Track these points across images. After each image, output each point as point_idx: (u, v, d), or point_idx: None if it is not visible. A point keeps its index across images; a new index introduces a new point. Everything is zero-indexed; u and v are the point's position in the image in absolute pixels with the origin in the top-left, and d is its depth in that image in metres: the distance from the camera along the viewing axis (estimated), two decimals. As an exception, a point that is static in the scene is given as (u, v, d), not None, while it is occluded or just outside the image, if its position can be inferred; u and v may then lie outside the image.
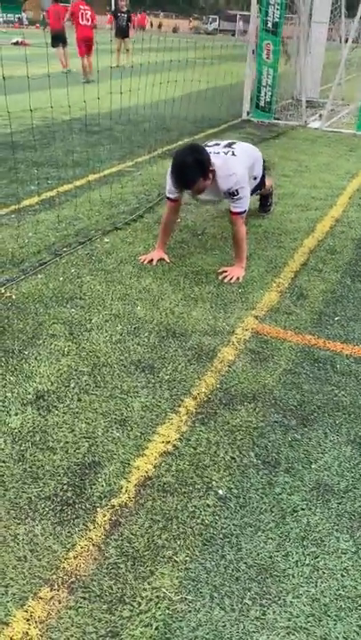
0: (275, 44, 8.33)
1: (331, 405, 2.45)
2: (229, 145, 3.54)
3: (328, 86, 11.17)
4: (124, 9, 15.51)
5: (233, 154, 3.40)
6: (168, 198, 3.57)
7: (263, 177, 3.93)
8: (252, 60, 8.66)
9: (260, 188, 4.02)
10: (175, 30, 29.95)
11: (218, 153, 3.37)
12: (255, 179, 3.79)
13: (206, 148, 3.42)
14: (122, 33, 15.26)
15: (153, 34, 16.60)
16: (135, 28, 15.19)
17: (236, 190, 3.33)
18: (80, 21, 12.21)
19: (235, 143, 3.62)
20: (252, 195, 3.68)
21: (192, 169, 3.15)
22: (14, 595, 1.60)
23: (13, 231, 4.02)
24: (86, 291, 3.28)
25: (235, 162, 3.36)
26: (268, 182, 4.19)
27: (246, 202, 3.44)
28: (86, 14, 12.21)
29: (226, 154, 3.38)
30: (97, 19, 13.14)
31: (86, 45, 12.19)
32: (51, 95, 4.28)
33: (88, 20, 12.27)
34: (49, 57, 4.88)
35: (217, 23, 56.57)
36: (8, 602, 1.58)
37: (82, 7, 12.22)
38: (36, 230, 4.10)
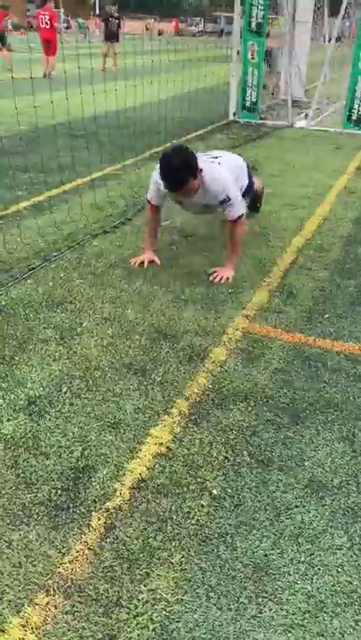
0: (259, 45, 8.37)
1: (322, 402, 2.46)
2: (215, 157, 3.55)
3: (313, 85, 11.23)
4: (115, 14, 15.81)
5: (219, 163, 3.42)
6: (150, 203, 3.59)
7: (251, 184, 3.93)
8: (237, 60, 8.69)
9: (250, 193, 4.02)
10: (160, 33, 29.96)
11: (205, 162, 3.36)
12: (242, 188, 3.74)
13: None
14: (112, 37, 15.60)
15: (143, 37, 16.68)
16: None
17: (228, 196, 3.32)
18: (40, 25, 13.85)
19: (220, 157, 3.58)
20: (244, 198, 3.68)
21: (182, 170, 3.13)
22: (10, 601, 1.59)
23: (1, 237, 4.00)
24: (76, 295, 3.27)
25: (220, 168, 3.37)
26: (257, 183, 4.20)
27: (241, 205, 3.44)
28: (45, 18, 13.79)
29: (212, 162, 3.40)
30: (58, 22, 15.21)
31: (46, 46, 13.83)
32: (34, 100, 4.27)
33: (47, 24, 13.81)
34: (32, 62, 4.88)
35: (201, 25, 56.72)
36: (4, 609, 1.57)
37: (42, 13, 13.95)
38: (24, 236, 4.09)
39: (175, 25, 49.15)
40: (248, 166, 3.92)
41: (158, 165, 3.26)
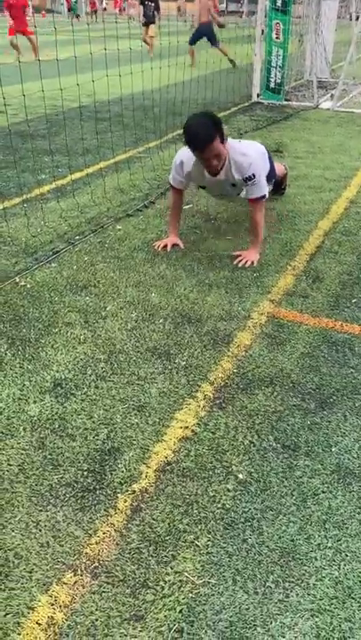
0: (284, 24, 8.19)
1: (350, 388, 2.42)
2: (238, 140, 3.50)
3: (339, 65, 10.98)
4: None
5: (240, 142, 3.39)
6: (172, 187, 3.55)
7: (273, 169, 3.85)
8: (261, 40, 8.53)
9: (272, 179, 3.94)
10: (180, 10, 29.30)
11: (227, 141, 3.32)
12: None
13: None
14: (148, 20, 14.74)
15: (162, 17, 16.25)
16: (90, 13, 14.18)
17: (253, 174, 3.27)
18: None
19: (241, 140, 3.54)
20: (268, 184, 3.63)
21: (208, 126, 3.02)
22: (38, 580, 1.61)
23: (26, 220, 4.01)
24: (100, 278, 3.27)
25: (248, 144, 3.33)
26: (278, 168, 4.13)
27: (264, 186, 3.40)
28: None
29: (237, 142, 3.35)
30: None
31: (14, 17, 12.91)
32: (60, 82, 4.25)
33: None
34: (57, 44, 4.84)
35: (224, 4, 55.70)
36: (32, 587, 1.59)
37: None
38: (48, 219, 4.09)
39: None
40: (269, 152, 3.84)
41: (183, 132, 3.11)
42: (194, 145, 3.12)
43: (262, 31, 8.48)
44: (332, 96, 8.82)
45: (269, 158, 3.80)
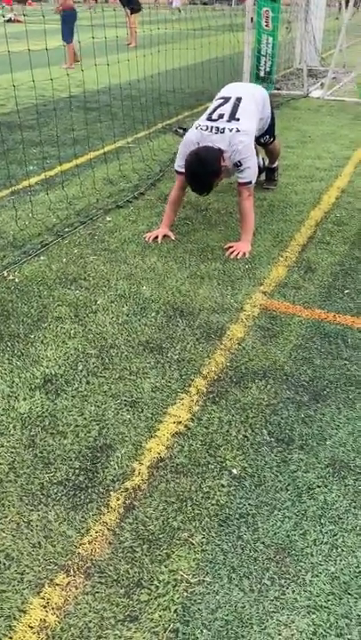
0: (274, 11, 8.10)
1: (343, 380, 2.40)
2: (233, 115, 3.35)
3: (329, 54, 10.91)
4: None
5: (237, 130, 3.28)
6: (178, 172, 3.47)
7: (273, 119, 3.92)
8: (251, 28, 8.43)
9: (269, 135, 3.94)
10: (170, 2, 29.10)
11: (223, 132, 3.26)
12: (261, 119, 3.71)
13: (210, 124, 3.31)
14: (134, 8, 13.93)
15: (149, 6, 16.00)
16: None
17: (239, 161, 3.27)
18: None
19: (239, 106, 3.40)
20: (261, 139, 3.75)
21: (207, 180, 3.25)
22: (30, 582, 1.58)
23: (14, 213, 3.95)
24: (90, 271, 3.22)
25: (239, 137, 3.26)
26: (277, 143, 4.16)
27: (252, 173, 3.37)
28: None
29: (231, 130, 3.27)
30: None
31: None
32: (50, 72, 4.17)
33: None
34: (46, 34, 4.74)
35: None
36: (24, 589, 1.56)
37: None
38: (36, 211, 4.03)
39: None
40: (270, 99, 3.92)
41: (186, 163, 3.28)
42: (195, 191, 3.42)
43: (251, 19, 8.38)
44: (322, 85, 8.76)
45: (271, 106, 3.89)
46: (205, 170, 3.21)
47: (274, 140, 4.06)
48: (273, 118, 3.93)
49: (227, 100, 3.48)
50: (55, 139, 5.72)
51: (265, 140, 3.96)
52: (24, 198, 4.25)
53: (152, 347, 2.58)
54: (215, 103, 3.50)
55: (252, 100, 3.54)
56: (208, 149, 3.23)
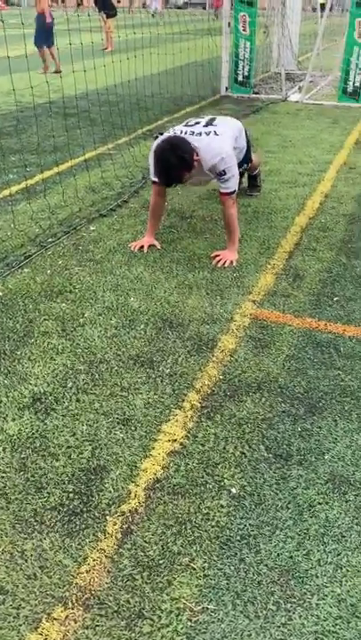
0: (251, 16, 8.11)
1: (338, 391, 2.37)
2: (210, 122, 3.39)
3: (305, 57, 10.98)
4: None
5: (215, 133, 3.25)
6: (153, 182, 3.43)
7: (248, 150, 3.81)
8: (228, 33, 8.44)
9: (246, 163, 3.88)
10: (145, 5, 29.08)
11: (200, 135, 3.22)
12: (236, 148, 3.58)
13: (187, 129, 3.29)
14: (109, 12, 13.71)
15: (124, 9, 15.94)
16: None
17: (223, 170, 3.22)
18: None
19: (215, 119, 3.47)
20: (239, 169, 3.55)
21: (177, 167, 3.08)
22: (27, 617, 1.51)
23: (-5, 223, 3.86)
24: (76, 283, 3.15)
25: (218, 141, 3.22)
26: (255, 158, 4.08)
27: (235, 181, 3.33)
28: None
29: (208, 134, 3.24)
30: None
31: None
32: (30, 78, 4.09)
33: None
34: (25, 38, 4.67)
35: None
36: (21, 625, 1.49)
37: None
38: (18, 221, 3.94)
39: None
40: (246, 131, 3.79)
41: (153, 156, 3.19)
42: (167, 183, 3.27)
43: (228, 24, 8.39)
44: (300, 88, 8.79)
45: (246, 136, 3.77)
46: (176, 153, 3.05)
47: (251, 161, 4.00)
48: (248, 149, 3.82)
49: (200, 120, 3.47)
50: (35, 146, 5.63)
51: (243, 168, 3.86)
52: (5, 208, 4.17)
53: (142, 360, 2.52)
54: (190, 121, 3.49)
55: (226, 123, 3.51)
56: (182, 140, 3.15)
